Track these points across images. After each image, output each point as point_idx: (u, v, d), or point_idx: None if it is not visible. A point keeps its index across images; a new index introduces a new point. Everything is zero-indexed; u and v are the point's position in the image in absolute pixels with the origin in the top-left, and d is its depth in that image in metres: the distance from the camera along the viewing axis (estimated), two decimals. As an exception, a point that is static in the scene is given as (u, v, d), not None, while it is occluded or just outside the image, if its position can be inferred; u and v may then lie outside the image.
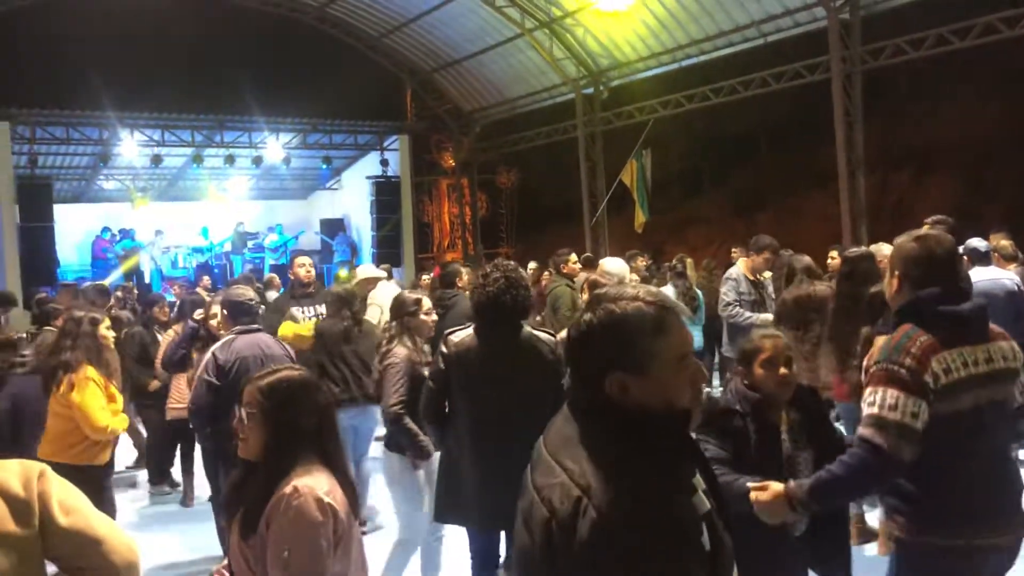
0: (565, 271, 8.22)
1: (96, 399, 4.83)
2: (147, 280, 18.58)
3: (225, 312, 5.32)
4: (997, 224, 9.80)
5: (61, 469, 4.48)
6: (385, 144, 20.15)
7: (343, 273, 13.37)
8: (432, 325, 5.01)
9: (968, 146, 18.36)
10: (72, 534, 2.07)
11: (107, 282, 12.91)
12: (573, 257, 8.46)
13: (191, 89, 18.49)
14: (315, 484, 2.34)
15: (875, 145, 14.52)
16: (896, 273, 2.88)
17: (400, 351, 4.67)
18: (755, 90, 14.52)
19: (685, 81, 15.92)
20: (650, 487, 1.53)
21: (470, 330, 4.09)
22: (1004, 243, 8.37)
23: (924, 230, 3.18)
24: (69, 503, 2.11)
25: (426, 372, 4.38)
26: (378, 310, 7.67)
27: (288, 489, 2.31)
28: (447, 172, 22.48)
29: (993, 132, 17.99)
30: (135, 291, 11.69)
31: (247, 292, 5.49)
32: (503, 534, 4.08)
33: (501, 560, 4.21)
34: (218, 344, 5.15)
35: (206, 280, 14.35)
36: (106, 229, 18.96)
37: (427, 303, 5.01)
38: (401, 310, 4.89)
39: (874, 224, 13.00)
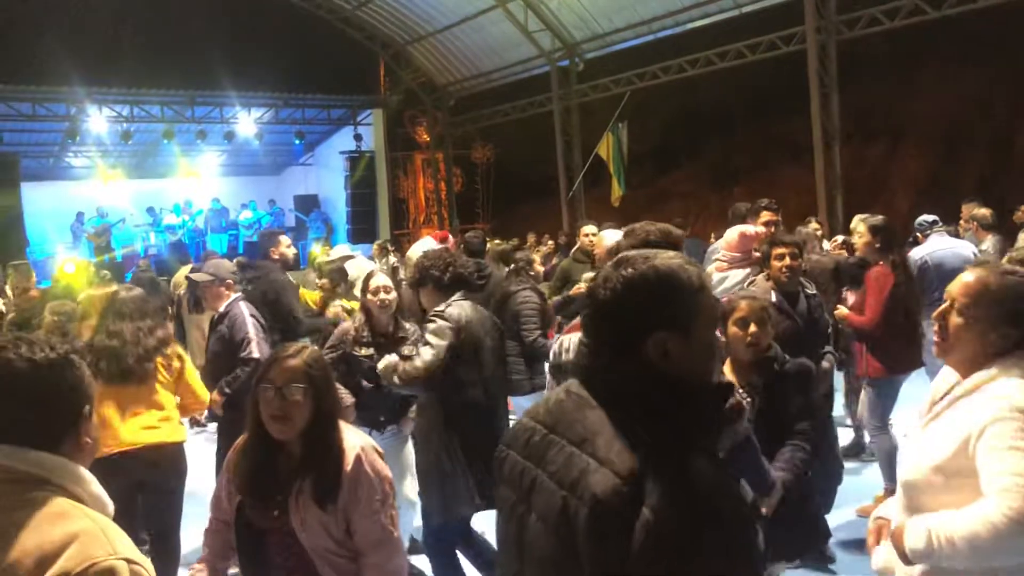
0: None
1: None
2: (119, 259, 18.29)
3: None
4: (971, 194, 9.84)
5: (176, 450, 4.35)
6: (359, 119, 19.91)
7: (317, 249, 13.22)
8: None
9: (942, 117, 18.41)
10: None
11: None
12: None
13: (160, 63, 18.04)
14: (364, 438, 2.56)
15: (851, 116, 14.49)
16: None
17: None
18: (730, 61, 14.45)
19: (661, 53, 15.81)
20: (706, 478, 1.38)
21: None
22: (983, 212, 8.38)
23: None
24: None
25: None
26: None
27: (359, 451, 2.47)
28: (422, 147, 22.28)
29: (967, 102, 18.05)
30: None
31: None
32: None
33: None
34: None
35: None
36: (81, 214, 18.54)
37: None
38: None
39: (849, 196, 13.01)
